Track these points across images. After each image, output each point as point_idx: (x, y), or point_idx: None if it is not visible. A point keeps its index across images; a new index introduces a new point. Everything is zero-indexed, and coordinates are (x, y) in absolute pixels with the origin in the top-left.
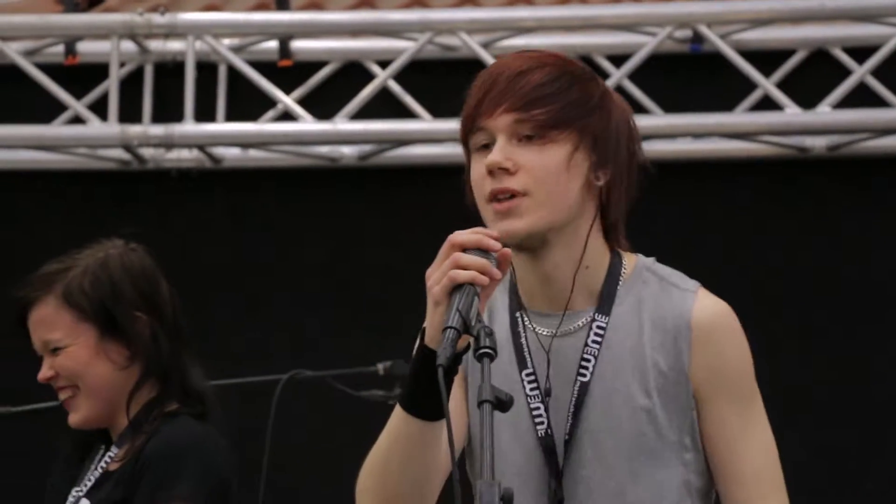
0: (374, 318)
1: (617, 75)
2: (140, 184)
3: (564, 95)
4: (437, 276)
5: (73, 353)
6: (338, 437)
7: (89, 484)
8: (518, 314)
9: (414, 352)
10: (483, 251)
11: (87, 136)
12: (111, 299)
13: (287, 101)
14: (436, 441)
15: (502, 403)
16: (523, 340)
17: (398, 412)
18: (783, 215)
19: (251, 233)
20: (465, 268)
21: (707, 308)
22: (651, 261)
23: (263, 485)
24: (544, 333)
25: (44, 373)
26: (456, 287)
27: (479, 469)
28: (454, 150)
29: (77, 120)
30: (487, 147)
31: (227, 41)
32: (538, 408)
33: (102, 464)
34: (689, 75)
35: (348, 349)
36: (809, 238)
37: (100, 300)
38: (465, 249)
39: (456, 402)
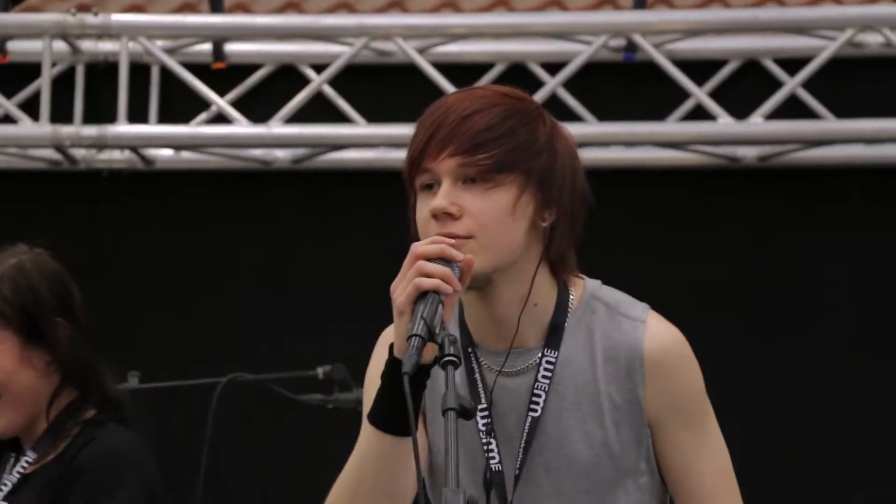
0: (309, 322)
1: (551, 83)
2: (70, 184)
3: (510, 138)
4: (402, 287)
5: None
6: (277, 440)
7: (5, 489)
8: (470, 350)
9: (372, 367)
10: (446, 261)
11: (19, 135)
12: (32, 304)
13: (221, 103)
14: (405, 459)
15: (466, 411)
16: (477, 377)
17: (367, 431)
18: (714, 224)
19: (182, 235)
20: (429, 276)
21: (658, 338)
22: (597, 285)
23: (201, 488)
24: (495, 370)
25: None
26: (419, 297)
27: (442, 478)
28: (388, 155)
29: (7, 119)
30: (431, 188)
31: (160, 42)
32: (490, 443)
33: (19, 469)
34: (623, 84)
35: (286, 353)
36: (739, 247)
37: (21, 306)
38: (428, 260)
39: (418, 437)
